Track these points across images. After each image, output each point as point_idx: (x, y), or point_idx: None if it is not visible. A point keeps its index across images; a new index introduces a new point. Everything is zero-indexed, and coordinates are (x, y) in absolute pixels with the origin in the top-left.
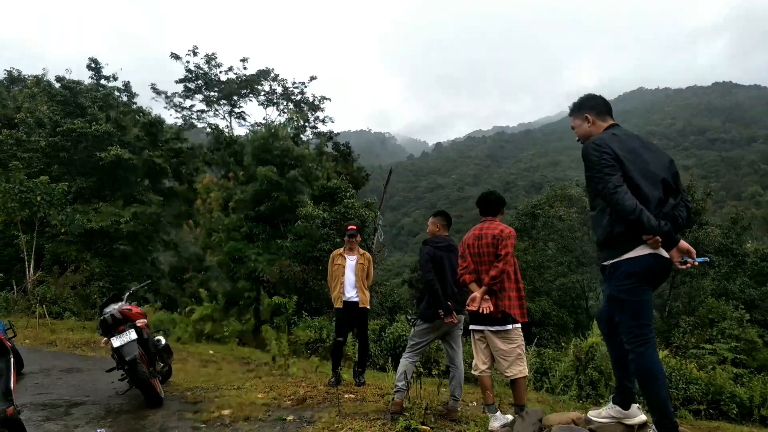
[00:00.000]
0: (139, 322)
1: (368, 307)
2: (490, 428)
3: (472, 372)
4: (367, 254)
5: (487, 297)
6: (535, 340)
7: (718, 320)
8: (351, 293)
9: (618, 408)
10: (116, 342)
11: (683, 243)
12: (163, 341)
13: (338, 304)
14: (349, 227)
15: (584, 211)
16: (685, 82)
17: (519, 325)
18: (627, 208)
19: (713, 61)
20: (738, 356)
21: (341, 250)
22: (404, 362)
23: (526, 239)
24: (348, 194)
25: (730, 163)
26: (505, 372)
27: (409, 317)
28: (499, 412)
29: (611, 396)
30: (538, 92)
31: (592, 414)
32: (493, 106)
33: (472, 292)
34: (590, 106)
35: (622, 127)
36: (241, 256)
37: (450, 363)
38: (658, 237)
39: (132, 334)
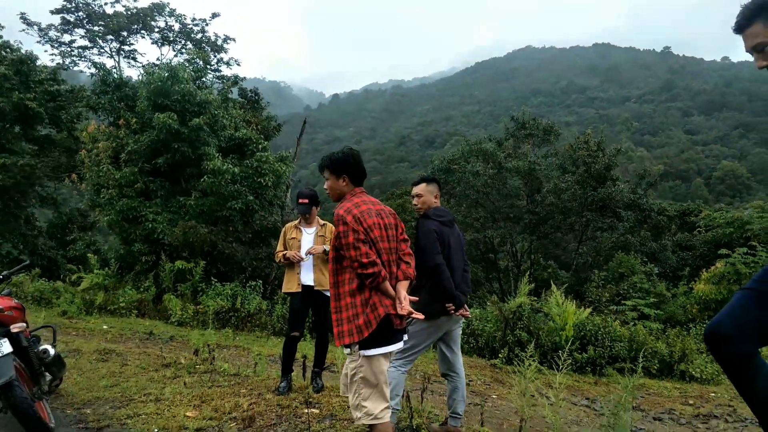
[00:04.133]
0: (15, 327)
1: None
2: None
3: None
4: (330, 225)
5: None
6: None
7: (627, 274)
8: (307, 276)
9: None
10: None
11: None
12: (52, 352)
13: (294, 288)
14: (300, 200)
15: (498, 166)
16: (578, 42)
17: None
18: None
19: (613, 23)
20: (656, 312)
21: (296, 222)
22: (395, 373)
23: (443, 196)
24: (260, 146)
25: (607, 120)
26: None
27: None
28: None
29: None
30: (434, 49)
31: None
32: (389, 61)
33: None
34: None
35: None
36: (137, 216)
37: (448, 370)
38: None
39: (5, 347)
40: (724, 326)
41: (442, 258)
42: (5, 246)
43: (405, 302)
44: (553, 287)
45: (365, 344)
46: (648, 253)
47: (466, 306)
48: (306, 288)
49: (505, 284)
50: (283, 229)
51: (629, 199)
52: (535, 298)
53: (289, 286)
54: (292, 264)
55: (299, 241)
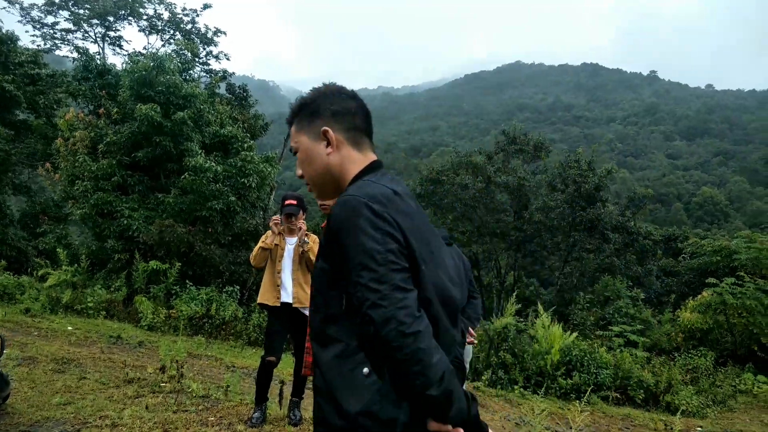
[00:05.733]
0: None
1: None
2: None
3: None
4: (314, 236)
5: None
6: None
7: (613, 298)
8: (286, 291)
9: None
10: None
11: None
12: None
13: (272, 301)
14: (287, 201)
15: (487, 180)
16: (567, 60)
17: None
18: None
19: (603, 44)
20: (642, 339)
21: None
22: None
23: (429, 207)
24: (245, 145)
25: (591, 140)
26: None
27: None
28: None
29: None
30: (426, 59)
31: None
32: (380, 68)
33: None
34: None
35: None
36: (112, 211)
37: None
38: None
39: None
40: None
41: None
42: None
43: None
44: (540, 309)
45: None
46: (632, 277)
47: (471, 329)
48: (284, 305)
49: (486, 300)
50: (264, 235)
51: (617, 221)
52: (521, 319)
53: (266, 297)
54: (272, 271)
55: (282, 249)
